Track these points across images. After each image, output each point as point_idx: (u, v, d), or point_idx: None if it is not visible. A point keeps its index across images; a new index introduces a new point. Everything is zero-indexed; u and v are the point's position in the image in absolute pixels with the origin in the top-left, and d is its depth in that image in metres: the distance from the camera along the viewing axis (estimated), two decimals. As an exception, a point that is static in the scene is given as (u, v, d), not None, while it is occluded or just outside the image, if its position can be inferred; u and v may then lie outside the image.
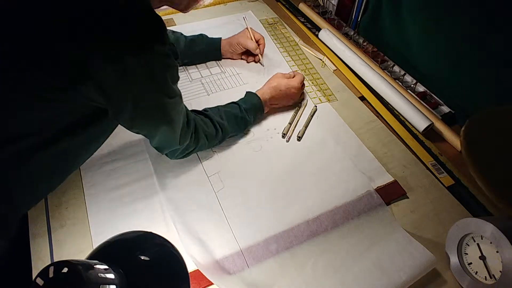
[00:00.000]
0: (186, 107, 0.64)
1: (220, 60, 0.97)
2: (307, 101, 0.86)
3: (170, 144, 0.64)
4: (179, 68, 0.83)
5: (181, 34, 0.91)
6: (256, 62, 0.97)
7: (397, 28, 0.95)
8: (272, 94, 0.80)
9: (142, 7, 0.47)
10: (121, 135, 0.75)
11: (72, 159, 0.58)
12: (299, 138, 0.78)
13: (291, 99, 0.83)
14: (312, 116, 0.83)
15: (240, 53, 0.95)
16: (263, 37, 0.94)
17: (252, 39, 0.92)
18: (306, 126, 0.80)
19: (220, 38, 0.95)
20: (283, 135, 0.78)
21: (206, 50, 0.94)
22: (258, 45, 0.93)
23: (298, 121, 0.82)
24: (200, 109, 0.71)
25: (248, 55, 0.96)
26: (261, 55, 0.95)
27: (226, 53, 0.95)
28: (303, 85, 0.84)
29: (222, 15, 1.13)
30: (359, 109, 0.86)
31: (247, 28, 0.93)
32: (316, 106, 0.85)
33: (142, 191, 0.67)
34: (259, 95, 0.78)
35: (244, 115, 0.75)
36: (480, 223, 0.54)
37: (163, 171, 0.70)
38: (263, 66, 0.96)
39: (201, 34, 0.94)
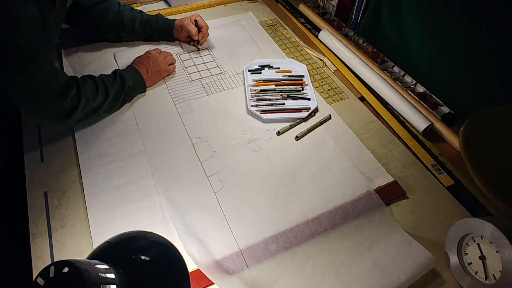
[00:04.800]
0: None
1: (173, 41, 1.01)
2: (317, 106, 0.85)
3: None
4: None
5: (139, 12, 0.95)
6: (197, 49, 1.00)
7: (397, 29, 0.95)
8: (144, 61, 0.86)
9: None
10: (122, 136, 0.76)
11: None
12: (297, 138, 0.78)
13: (162, 66, 0.87)
14: (321, 123, 0.81)
15: (186, 36, 0.98)
16: (207, 26, 0.97)
17: (194, 24, 0.95)
18: (309, 130, 0.80)
19: (175, 20, 0.98)
20: (278, 133, 0.78)
21: (160, 31, 0.98)
22: (200, 32, 0.96)
23: (299, 124, 0.81)
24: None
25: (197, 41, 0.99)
26: (201, 43, 0.99)
27: (177, 35, 0.99)
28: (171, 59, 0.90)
29: (222, 16, 1.14)
30: (359, 109, 0.86)
31: (197, 15, 0.97)
32: (330, 115, 0.83)
33: (142, 191, 0.67)
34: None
35: (119, 73, 0.79)
36: (480, 223, 0.54)
37: (163, 171, 0.70)
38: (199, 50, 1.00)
39: (157, 15, 0.98)
